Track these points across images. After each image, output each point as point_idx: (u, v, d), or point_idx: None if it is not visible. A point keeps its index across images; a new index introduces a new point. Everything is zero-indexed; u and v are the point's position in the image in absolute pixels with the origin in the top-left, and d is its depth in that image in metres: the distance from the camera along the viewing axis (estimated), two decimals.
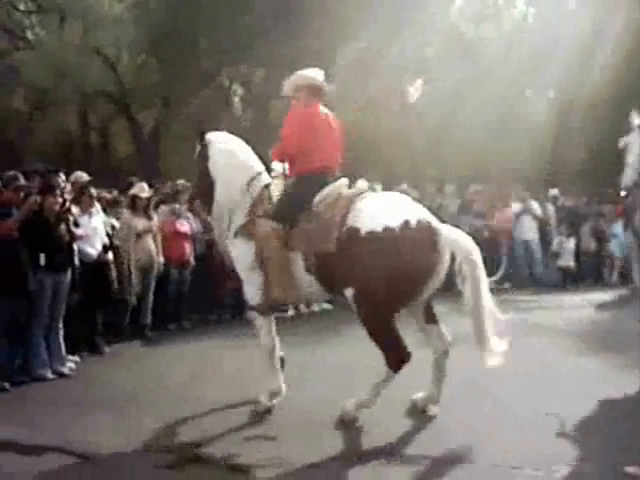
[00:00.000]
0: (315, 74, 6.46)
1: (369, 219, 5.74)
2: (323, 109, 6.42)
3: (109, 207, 9.98)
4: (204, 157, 6.75)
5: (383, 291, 5.61)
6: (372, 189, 8.97)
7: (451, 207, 15.03)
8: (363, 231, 5.70)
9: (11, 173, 7.62)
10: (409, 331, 6.11)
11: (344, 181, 6.22)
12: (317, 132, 6.21)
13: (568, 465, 4.56)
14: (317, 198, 6.09)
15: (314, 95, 6.38)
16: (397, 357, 5.80)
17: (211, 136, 6.85)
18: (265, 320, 6.34)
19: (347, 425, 5.65)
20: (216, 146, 6.73)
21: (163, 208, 10.76)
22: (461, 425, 5.54)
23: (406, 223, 5.66)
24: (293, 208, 6.14)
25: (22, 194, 7.50)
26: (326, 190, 6.10)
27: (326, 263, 5.82)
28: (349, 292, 5.79)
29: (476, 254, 5.89)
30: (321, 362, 7.77)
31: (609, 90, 18.43)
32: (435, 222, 5.82)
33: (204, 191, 6.82)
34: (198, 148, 6.89)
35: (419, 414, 5.86)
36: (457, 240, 5.86)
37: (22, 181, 7.60)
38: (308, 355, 8.03)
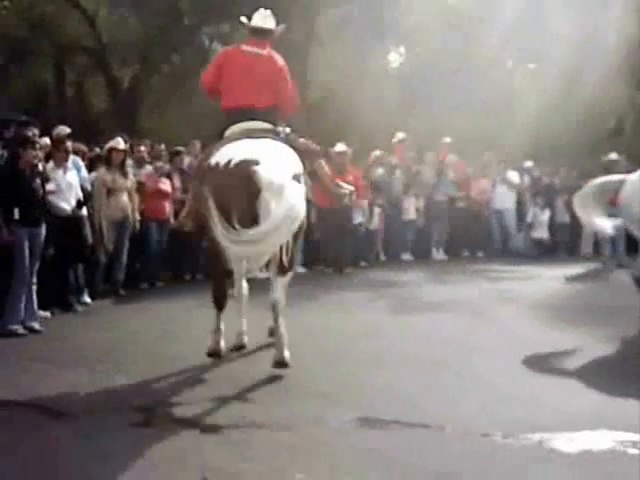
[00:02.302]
0: (263, 18, 6.59)
1: (214, 157, 5.94)
2: (252, 49, 6.47)
3: (93, 163, 9.93)
4: None
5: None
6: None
7: (428, 175, 15.06)
8: (205, 166, 6.06)
9: None
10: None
11: (248, 124, 6.22)
12: (232, 71, 6.40)
13: (537, 433, 4.60)
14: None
15: (258, 36, 6.52)
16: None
17: None
18: None
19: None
20: None
21: (148, 167, 10.71)
22: (431, 392, 5.56)
23: (229, 162, 5.69)
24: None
25: None
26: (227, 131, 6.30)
27: None
28: None
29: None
30: (295, 325, 7.76)
31: (592, 60, 18.43)
32: (257, 165, 5.52)
33: None
34: None
35: (390, 381, 5.88)
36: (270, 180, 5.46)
37: None
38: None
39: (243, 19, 6.69)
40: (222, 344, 6.56)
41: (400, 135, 15.36)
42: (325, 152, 7.32)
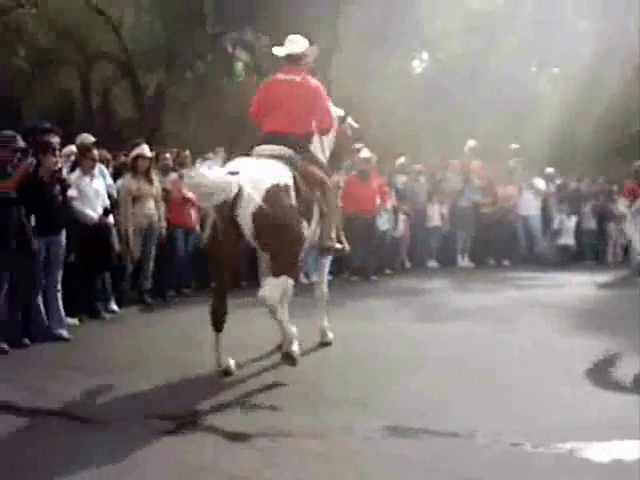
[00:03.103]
0: (291, 43, 6.94)
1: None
2: (286, 76, 6.79)
3: (118, 170, 9.98)
4: None
5: None
6: None
7: (452, 181, 15.00)
8: None
9: (9, 133, 7.41)
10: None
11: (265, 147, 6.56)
12: (269, 101, 6.75)
13: (569, 442, 4.55)
14: None
15: (291, 64, 6.87)
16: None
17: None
18: None
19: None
20: None
21: (173, 174, 10.74)
22: (460, 400, 5.53)
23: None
24: None
25: (18, 155, 7.35)
26: None
27: None
28: None
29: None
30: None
31: (616, 64, 18.31)
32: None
33: None
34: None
35: (419, 388, 5.85)
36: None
37: (20, 142, 7.40)
38: (308, 326, 8.03)
39: (274, 50, 7.03)
40: (230, 362, 6.47)
41: (471, 143, 15.43)
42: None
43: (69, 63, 21.19)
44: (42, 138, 7.75)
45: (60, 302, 7.91)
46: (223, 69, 21.88)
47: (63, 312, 7.94)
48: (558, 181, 16.14)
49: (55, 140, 7.95)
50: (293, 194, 6.17)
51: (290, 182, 6.20)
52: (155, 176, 10.08)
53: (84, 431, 4.92)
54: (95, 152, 8.96)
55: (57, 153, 7.78)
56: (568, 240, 15.30)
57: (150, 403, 5.49)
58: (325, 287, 7.48)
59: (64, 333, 7.74)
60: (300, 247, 6.33)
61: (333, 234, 6.78)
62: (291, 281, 6.16)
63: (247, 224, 5.90)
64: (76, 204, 8.37)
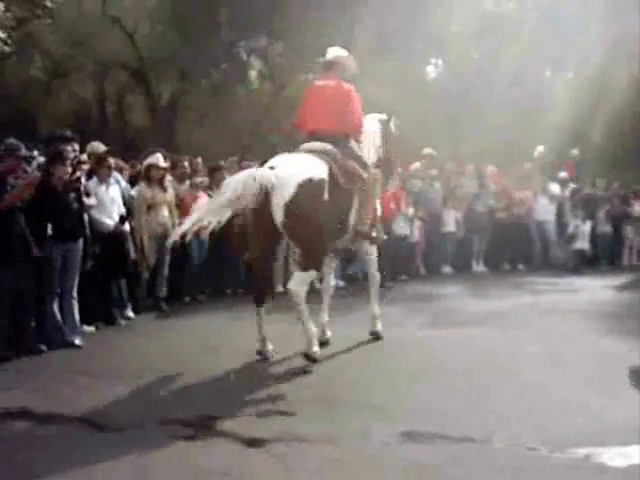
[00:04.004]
0: (331, 51, 7.70)
1: None
2: (323, 82, 7.53)
3: (134, 179, 10.02)
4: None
5: None
6: None
7: (467, 186, 14.95)
8: None
9: (12, 141, 7.41)
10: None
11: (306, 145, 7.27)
12: (310, 105, 7.50)
13: (585, 447, 4.53)
14: None
15: (327, 70, 7.61)
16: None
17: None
18: None
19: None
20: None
21: (187, 183, 10.77)
22: (476, 405, 5.52)
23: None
24: None
25: (23, 165, 7.40)
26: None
27: None
28: None
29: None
30: (336, 339, 7.77)
31: (630, 69, 18.25)
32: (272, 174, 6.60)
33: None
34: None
35: (435, 393, 5.84)
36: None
37: (24, 151, 7.44)
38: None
39: (319, 60, 7.88)
40: (268, 346, 7.07)
41: (574, 152, 15.53)
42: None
43: (84, 72, 21.34)
44: (54, 147, 7.80)
45: (75, 309, 7.94)
46: (237, 77, 21.95)
47: (78, 319, 7.97)
48: (572, 185, 16.08)
49: (68, 149, 8.00)
50: (327, 188, 6.75)
51: (325, 176, 6.80)
52: (169, 183, 10.11)
53: (99, 437, 4.94)
54: (111, 160, 9.01)
55: (69, 162, 7.80)
56: (583, 245, 15.20)
57: (165, 409, 5.51)
58: (377, 277, 8.07)
59: (77, 340, 7.74)
60: (328, 240, 7.01)
61: (368, 222, 7.41)
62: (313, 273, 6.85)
63: (279, 215, 6.53)
64: (92, 212, 8.41)
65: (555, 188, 15.44)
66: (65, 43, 20.07)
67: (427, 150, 14.88)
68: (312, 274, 6.84)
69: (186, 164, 11.12)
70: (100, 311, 8.71)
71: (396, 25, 19.52)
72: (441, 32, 21.12)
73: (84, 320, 8.15)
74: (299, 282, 6.71)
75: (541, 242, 15.34)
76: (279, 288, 11.48)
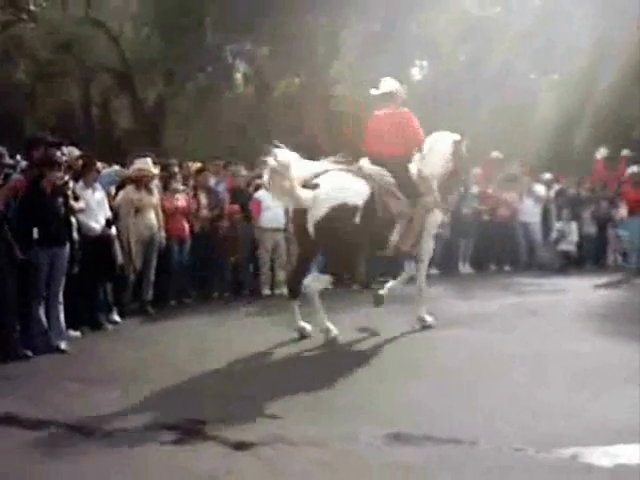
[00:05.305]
0: (384, 84, 8.51)
1: None
2: (382, 111, 8.44)
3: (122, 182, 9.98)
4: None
5: None
6: None
7: None
8: None
9: None
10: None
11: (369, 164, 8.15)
12: (372, 132, 8.47)
13: (571, 447, 4.55)
14: None
15: (385, 101, 8.45)
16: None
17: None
18: None
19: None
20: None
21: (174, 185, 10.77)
22: (463, 407, 5.53)
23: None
24: None
25: (3, 174, 7.34)
26: None
27: None
28: None
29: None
30: (322, 341, 7.78)
31: (615, 71, 18.33)
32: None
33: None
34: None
35: (421, 395, 5.85)
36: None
37: (8, 159, 7.44)
38: (314, 333, 8.07)
39: (372, 91, 8.57)
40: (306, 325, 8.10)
41: (495, 154, 15.55)
42: None
43: (69, 76, 21.26)
44: (49, 153, 7.76)
45: (61, 314, 7.91)
46: (223, 80, 21.93)
47: (64, 324, 7.94)
48: (557, 186, 16.15)
49: (58, 154, 7.97)
50: (361, 212, 7.66)
51: (360, 203, 7.69)
52: (154, 186, 10.09)
53: (87, 442, 4.92)
54: (99, 164, 8.99)
55: (62, 167, 7.78)
56: (569, 246, 15.27)
57: (153, 413, 5.49)
58: (424, 282, 8.86)
59: (62, 345, 7.72)
60: (360, 253, 8.60)
61: (410, 241, 8.23)
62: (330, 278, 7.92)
63: (311, 230, 7.68)
64: (79, 216, 8.38)
65: (540, 189, 15.51)
66: (49, 47, 20.00)
67: (495, 154, 15.10)
68: (331, 278, 7.90)
69: (176, 170, 11.09)
70: (86, 316, 8.69)
71: (382, 28, 19.55)
72: (427, 34, 21.16)
73: (70, 325, 8.12)
74: (315, 280, 7.87)
75: (527, 243, 15.41)
76: (266, 291, 11.54)
